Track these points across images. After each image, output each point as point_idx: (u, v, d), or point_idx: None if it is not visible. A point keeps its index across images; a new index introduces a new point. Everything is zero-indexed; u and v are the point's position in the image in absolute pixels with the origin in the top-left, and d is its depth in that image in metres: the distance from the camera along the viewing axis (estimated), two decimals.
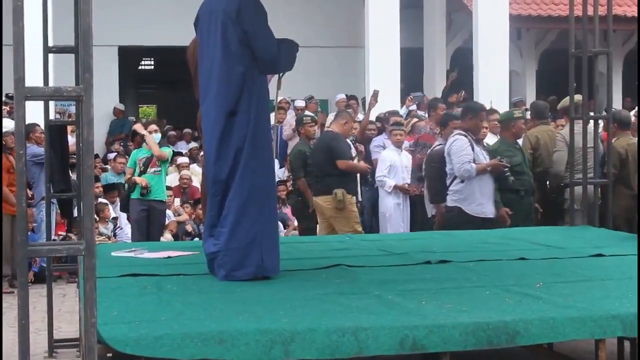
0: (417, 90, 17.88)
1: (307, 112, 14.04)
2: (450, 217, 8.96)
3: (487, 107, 11.04)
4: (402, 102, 16.07)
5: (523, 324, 4.46)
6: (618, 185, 9.24)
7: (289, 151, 12.74)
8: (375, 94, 12.11)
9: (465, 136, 8.89)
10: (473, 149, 8.84)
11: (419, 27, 19.73)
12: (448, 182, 8.99)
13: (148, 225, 11.44)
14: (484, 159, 8.91)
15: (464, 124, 9.18)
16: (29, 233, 8.54)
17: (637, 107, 10.41)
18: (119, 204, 12.41)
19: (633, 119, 10.55)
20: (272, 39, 5.96)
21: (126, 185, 11.86)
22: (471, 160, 8.79)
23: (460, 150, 8.80)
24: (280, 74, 6.84)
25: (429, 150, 10.22)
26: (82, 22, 3.87)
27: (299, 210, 11.12)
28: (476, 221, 8.70)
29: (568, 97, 9.95)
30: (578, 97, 9.93)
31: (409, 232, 10.13)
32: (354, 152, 10.77)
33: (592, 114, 9.51)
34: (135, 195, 11.43)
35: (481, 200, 8.80)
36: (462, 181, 8.80)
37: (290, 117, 15.76)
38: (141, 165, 11.46)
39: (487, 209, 8.83)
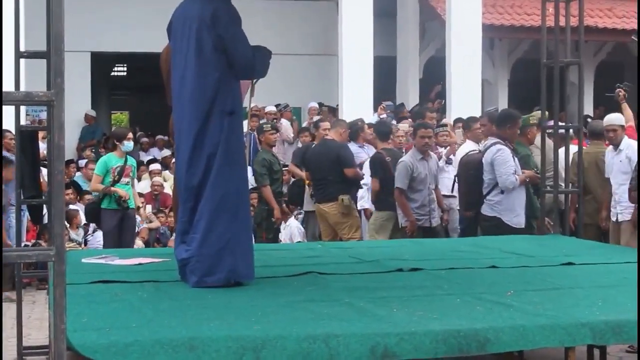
0: (390, 99, 17.92)
1: (265, 120, 14.15)
2: (489, 227, 8.98)
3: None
4: (375, 111, 16.12)
5: (494, 331, 4.47)
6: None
7: None
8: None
9: (507, 146, 8.97)
10: (514, 159, 8.96)
11: (392, 36, 19.79)
12: (485, 191, 9.04)
13: (120, 233, 11.23)
14: (519, 169, 9.03)
15: (502, 132, 9.22)
16: None
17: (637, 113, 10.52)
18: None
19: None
20: (247, 43, 5.95)
21: (95, 194, 11.51)
22: (514, 172, 8.88)
23: (505, 162, 8.86)
24: (254, 81, 6.84)
25: (462, 157, 10.23)
26: (53, 27, 3.85)
27: (264, 219, 10.97)
28: (514, 232, 8.72)
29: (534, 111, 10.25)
30: (537, 113, 10.13)
31: (381, 240, 10.13)
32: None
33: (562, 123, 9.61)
34: (109, 205, 11.12)
35: (519, 211, 8.86)
36: (502, 192, 8.83)
37: (287, 124, 15.87)
38: (115, 174, 11.17)
39: (522, 220, 8.93)
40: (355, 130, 11.71)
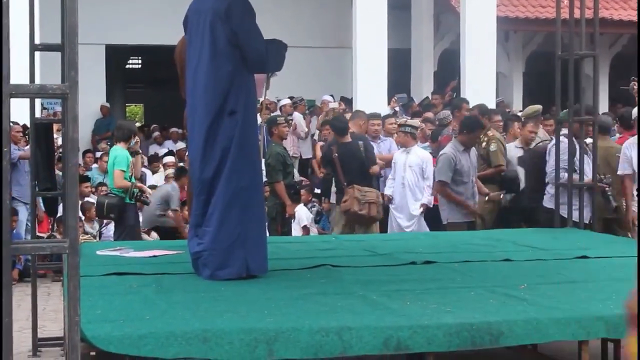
0: (404, 92, 17.89)
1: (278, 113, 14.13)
2: (548, 219, 8.95)
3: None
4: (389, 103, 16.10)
5: (507, 324, 4.47)
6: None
7: None
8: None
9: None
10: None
11: (406, 29, 19.75)
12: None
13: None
14: None
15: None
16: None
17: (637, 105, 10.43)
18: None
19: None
20: (261, 38, 5.96)
21: (117, 190, 11.20)
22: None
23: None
24: (269, 74, 6.83)
25: (532, 145, 10.30)
26: (68, 20, 3.87)
27: (279, 213, 10.93)
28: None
29: (532, 106, 10.33)
30: (538, 107, 10.10)
31: (394, 233, 10.11)
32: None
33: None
34: (130, 200, 10.60)
35: (577, 205, 8.82)
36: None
37: (299, 116, 15.82)
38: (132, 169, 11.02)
39: (577, 213, 8.91)
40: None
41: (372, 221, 10.23)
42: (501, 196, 10.15)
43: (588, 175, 8.94)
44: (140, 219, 11.61)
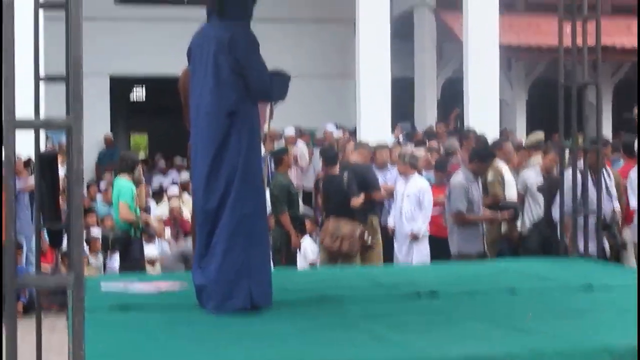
0: (408, 120, 17.92)
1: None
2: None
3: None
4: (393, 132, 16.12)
5: (511, 357, 4.44)
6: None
7: None
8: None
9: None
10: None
11: (409, 57, 19.81)
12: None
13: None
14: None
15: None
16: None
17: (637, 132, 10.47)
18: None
19: None
20: (265, 68, 5.97)
21: (122, 224, 10.88)
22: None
23: None
24: (273, 104, 6.85)
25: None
26: (72, 52, 3.87)
27: (284, 245, 10.91)
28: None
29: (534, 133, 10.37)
30: (540, 136, 10.14)
31: (399, 264, 10.09)
32: None
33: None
34: (135, 233, 10.73)
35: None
36: None
37: (302, 146, 15.80)
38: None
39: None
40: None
41: (348, 256, 10.08)
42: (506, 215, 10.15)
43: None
44: (145, 251, 11.61)
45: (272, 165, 11.79)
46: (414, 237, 10.63)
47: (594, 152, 8.98)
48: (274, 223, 10.89)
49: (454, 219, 9.61)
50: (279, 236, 10.86)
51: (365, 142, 12.15)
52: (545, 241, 9.82)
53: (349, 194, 10.23)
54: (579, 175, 8.55)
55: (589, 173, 8.65)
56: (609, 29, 18.85)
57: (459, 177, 9.64)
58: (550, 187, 9.87)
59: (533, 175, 10.49)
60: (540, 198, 10.24)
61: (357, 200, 10.29)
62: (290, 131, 16.34)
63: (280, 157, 11.25)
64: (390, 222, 10.99)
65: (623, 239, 9.18)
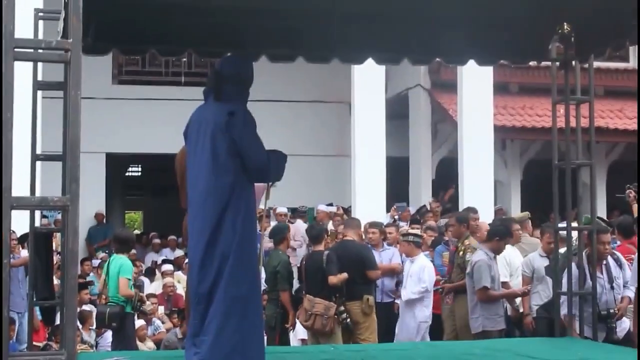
0: (403, 200, 17.97)
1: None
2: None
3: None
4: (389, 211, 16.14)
5: None
6: None
7: None
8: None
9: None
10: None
11: (404, 137, 19.93)
12: None
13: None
14: None
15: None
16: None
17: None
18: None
19: None
20: (262, 148, 6.00)
21: (118, 299, 10.65)
22: None
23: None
24: (270, 184, 6.87)
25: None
26: (70, 133, 3.92)
27: (279, 323, 10.84)
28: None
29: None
30: (526, 214, 10.19)
31: (394, 343, 10.03)
32: None
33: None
34: (131, 309, 10.60)
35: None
36: None
37: (301, 225, 15.76)
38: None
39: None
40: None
41: (325, 334, 10.00)
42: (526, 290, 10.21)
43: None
44: (136, 327, 11.54)
45: (272, 243, 11.73)
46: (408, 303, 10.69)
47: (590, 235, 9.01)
48: (267, 301, 10.85)
49: (479, 296, 9.64)
50: (273, 314, 10.82)
51: (356, 219, 12.14)
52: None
53: (327, 271, 10.20)
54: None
55: (584, 256, 8.69)
56: (602, 111, 19.09)
57: (481, 255, 9.75)
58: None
59: (538, 258, 10.45)
60: (549, 280, 10.19)
61: (334, 279, 10.21)
62: (282, 210, 16.34)
63: (282, 235, 11.28)
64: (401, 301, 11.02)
65: (618, 337, 9.08)
